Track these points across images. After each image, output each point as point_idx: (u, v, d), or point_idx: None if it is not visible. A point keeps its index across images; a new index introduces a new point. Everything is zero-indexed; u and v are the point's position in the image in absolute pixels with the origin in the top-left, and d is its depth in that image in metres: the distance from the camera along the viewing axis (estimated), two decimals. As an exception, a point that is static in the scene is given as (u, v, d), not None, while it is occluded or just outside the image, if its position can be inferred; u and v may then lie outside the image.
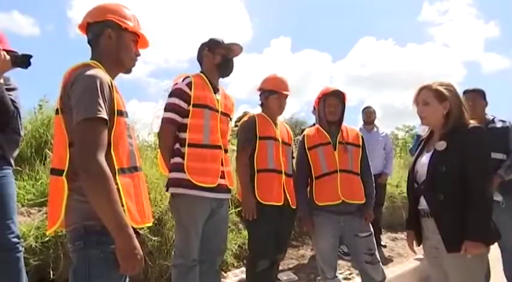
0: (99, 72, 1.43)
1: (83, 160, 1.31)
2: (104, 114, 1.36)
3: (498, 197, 2.82)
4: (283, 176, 2.76)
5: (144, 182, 1.57)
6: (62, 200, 1.38)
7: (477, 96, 3.11)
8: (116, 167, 1.39)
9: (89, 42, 1.59)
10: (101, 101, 1.36)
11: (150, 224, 1.59)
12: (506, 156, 2.97)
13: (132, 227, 1.37)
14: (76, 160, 1.34)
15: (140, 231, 1.56)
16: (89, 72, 1.41)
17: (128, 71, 1.64)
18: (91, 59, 1.56)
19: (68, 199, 1.38)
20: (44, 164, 3.44)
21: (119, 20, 1.56)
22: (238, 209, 3.44)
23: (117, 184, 1.37)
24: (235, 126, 4.57)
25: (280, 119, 3.06)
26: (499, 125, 3.04)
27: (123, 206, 1.36)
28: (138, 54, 1.64)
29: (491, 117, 3.12)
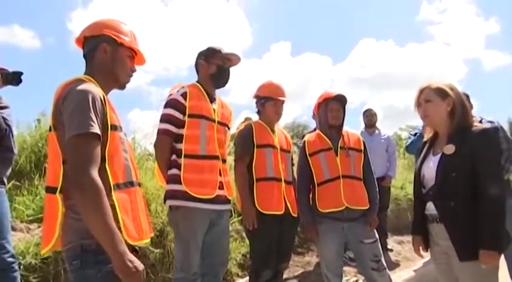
0: (91, 87, 1.41)
1: (75, 176, 1.29)
2: (96, 129, 1.34)
3: None
4: (283, 183, 2.72)
5: (142, 197, 1.55)
6: (56, 218, 1.36)
7: None
8: (112, 183, 1.37)
9: (84, 56, 1.58)
10: (93, 116, 1.34)
11: (148, 240, 1.56)
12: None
13: (130, 244, 1.36)
14: (69, 177, 1.32)
15: (139, 246, 1.53)
16: (80, 87, 1.39)
17: (122, 86, 1.62)
18: (85, 73, 1.54)
19: (63, 217, 1.37)
20: (43, 179, 3.42)
21: (115, 35, 1.54)
22: (241, 217, 3.40)
23: (112, 200, 1.35)
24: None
25: (282, 123, 3.02)
26: (487, 126, 2.99)
27: (118, 222, 1.34)
28: (133, 70, 1.62)
29: (479, 119, 3.08)
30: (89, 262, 1.34)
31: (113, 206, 1.34)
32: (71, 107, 1.35)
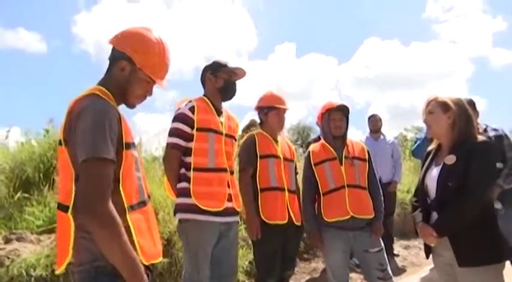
0: (107, 106, 1.37)
1: (90, 206, 1.24)
2: (111, 155, 1.30)
3: (498, 205, 2.79)
4: (286, 193, 2.76)
5: (153, 214, 1.53)
6: (69, 237, 1.33)
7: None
8: (126, 205, 1.34)
9: (109, 59, 1.53)
10: (108, 139, 1.30)
11: (161, 258, 1.56)
12: (503, 165, 2.92)
13: (144, 265, 1.34)
14: (81, 204, 1.26)
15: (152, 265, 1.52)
16: (96, 106, 1.34)
17: (131, 106, 1.56)
18: (100, 80, 1.50)
19: (75, 236, 1.33)
20: (52, 189, 3.47)
21: (136, 60, 1.47)
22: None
23: (127, 222, 1.33)
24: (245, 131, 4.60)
25: (287, 125, 3.04)
26: (491, 134, 3.00)
27: (134, 245, 1.32)
28: (148, 94, 1.56)
29: (484, 127, 3.09)
30: None
31: (127, 228, 1.31)
32: (86, 126, 1.29)
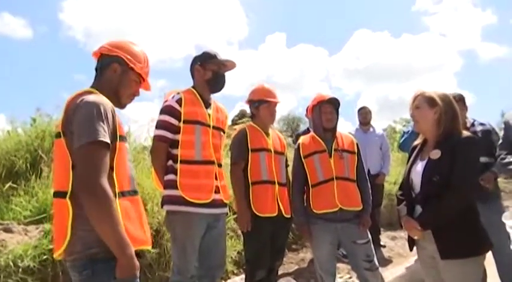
0: (102, 99, 1.49)
1: (88, 183, 1.35)
2: (106, 138, 1.41)
3: None
4: (277, 186, 2.78)
5: (142, 206, 1.62)
6: (67, 222, 1.41)
7: (458, 102, 3.11)
8: (117, 190, 1.45)
9: (96, 69, 1.67)
10: (103, 126, 1.41)
11: (149, 246, 1.62)
12: (492, 159, 2.95)
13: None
14: (78, 182, 1.37)
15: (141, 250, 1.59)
16: (92, 99, 1.46)
17: (122, 106, 1.70)
18: (92, 86, 1.63)
19: (72, 225, 1.41)
20: (40, 179, 3.43)
21: (128, 59, 1.65)
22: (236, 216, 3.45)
23: (116, 206, 1.41)
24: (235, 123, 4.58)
25: (277, 115, 3.05)
26: (479, 128, 3.04)
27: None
28: (136, 95, 1.72)
29: (472, 121, 3.12)
30: (100, 270, 1.41)
31: None
32: (81, 116, 1.41)
